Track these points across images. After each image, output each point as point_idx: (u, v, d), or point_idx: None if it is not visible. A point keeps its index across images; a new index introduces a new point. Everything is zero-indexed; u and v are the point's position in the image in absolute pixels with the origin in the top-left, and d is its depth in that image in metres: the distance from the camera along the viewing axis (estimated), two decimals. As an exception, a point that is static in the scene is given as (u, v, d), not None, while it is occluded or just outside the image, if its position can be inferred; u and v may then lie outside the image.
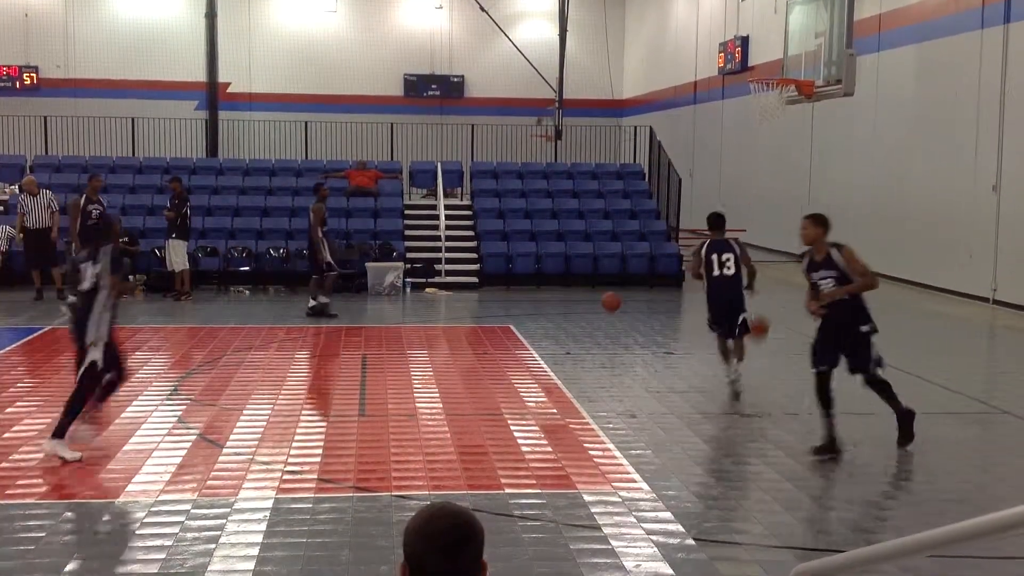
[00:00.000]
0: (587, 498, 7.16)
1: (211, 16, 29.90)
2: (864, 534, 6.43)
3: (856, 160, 21.13)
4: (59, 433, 7.86)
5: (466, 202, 22.63)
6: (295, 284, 18.63)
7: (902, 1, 19.32)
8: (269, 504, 6.96)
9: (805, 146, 23.26)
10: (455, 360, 12.49)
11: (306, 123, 26.57)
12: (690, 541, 6.38)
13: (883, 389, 8.33)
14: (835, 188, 22.14)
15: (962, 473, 8.11)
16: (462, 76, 34.72)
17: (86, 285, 8.26)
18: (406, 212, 21.65)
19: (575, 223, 20.93)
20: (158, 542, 6.23)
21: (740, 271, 10.70)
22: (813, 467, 8.05)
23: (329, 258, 15.75)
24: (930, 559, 5.73)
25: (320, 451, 8.30)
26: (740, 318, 10.61)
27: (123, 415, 9.35)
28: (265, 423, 9.13)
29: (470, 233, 21.02)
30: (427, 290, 18.82)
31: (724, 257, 10.65)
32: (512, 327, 14.59)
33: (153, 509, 6.83)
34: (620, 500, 7.13)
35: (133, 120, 25.38)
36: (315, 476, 7.67)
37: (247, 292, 18.41)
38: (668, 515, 6.84)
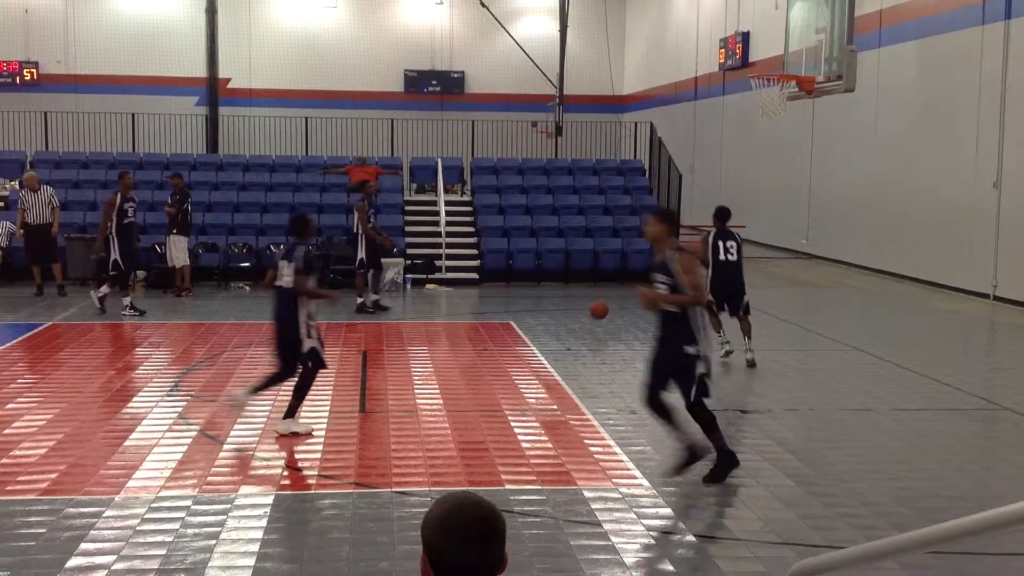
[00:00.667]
0: (587, 494, 7.17)
1: (211, 12, 29.91)
2: (864, 530, 6.43)
3: (857, 156, 21.12)
4: (290, 413, 8.66)
5: (466, 198, 22.63)
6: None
7: (903, -3, 19.32)
8: (269, 500, 6.97)
9: (806, 142, 23.25)
10: (455, 356, 12.49)
11: (306, 119, 26.56)
12: (690, 537, 6.39)
13: (705, 423, 7.33)
14: (836, 184, 22.15)
15: (962, 469, 8.12)
16: (462, 72, 34.71)
17: (285, 282, 8.88)
18: (406, 208, 21.64)
19: (575, 219, 20.93)
20: (159, 538, 6.23)
21: (742, 258, 11.96)
22: (813, 463, 8.06)
23: (363, 255, 15.97)
24: (930, 555, 5.73)
25: (320, 447, 8.30)
26: (744, 299, 11.94)
27: (124, 411, 9.35)
28: (265, 419, 9.13)
29: (470, 229, 21.02)
30: (427, 286, 18.82)
31: (728, 244, 11.93)
32: (512, 323, 14.59)
33: (154, 505, 6.84)
34: (620, 496, 7.14)
35: (133, 116, 25.38)
36: (316, 472, 7.67)
37: (248, 288, 18.39)
38: (668, 511, 6.85)
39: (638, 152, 25.37)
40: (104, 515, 6.64)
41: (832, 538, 6.28)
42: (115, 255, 14.94)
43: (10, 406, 9.51)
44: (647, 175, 23.51)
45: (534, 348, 12.72)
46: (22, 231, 17.13)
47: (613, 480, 7.51)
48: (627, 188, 22.42)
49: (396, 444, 8.39)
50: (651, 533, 6.42)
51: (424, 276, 19.14)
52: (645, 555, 6.08)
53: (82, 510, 6.73)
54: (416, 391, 10.38)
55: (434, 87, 34.50)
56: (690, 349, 7.17)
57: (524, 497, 7.09)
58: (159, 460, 7.85)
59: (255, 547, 6.12)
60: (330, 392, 10.27)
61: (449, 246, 20.01)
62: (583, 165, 23.76)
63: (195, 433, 8.66)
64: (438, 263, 19.55)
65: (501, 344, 13.20)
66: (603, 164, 23.97)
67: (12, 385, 10.48)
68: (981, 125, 16.85)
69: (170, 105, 29.86)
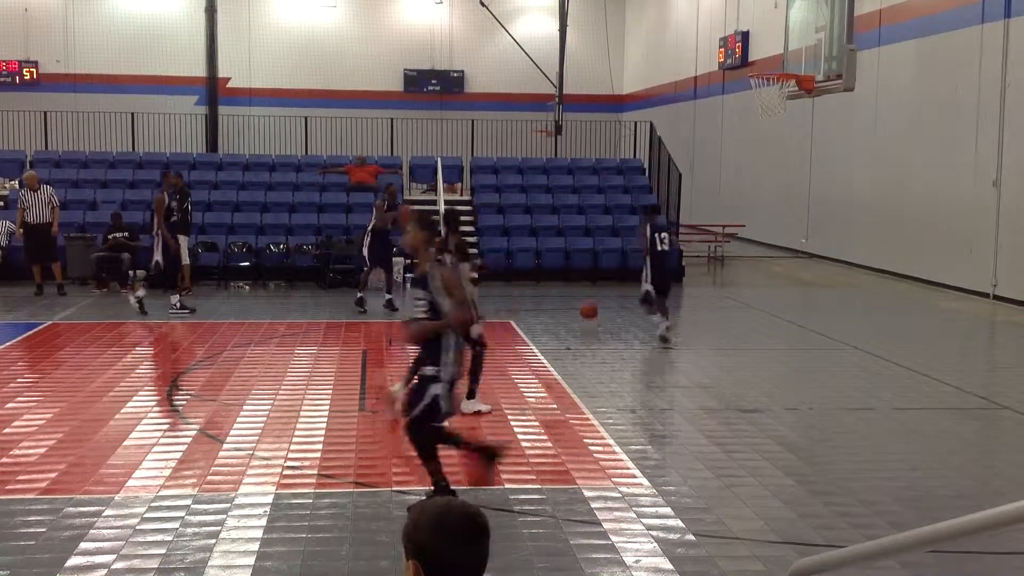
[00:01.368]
0: (587, 493, 7.16)
1: (211, 11, 29.92)
2: (864, 529, 6.43)
3: (856, 155, 21.12)
4: (471, 395, 9.35)
5: (466, 197, 22.62)
6: (295, 279, 18.65)
7: (903, -4, 19.32)
8: (269, 499, 6.96)
9: (805, 141, 23.25)
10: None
11: (306, 118, 26.56)
12: (690, 536, 6.39)
13: (419, 447, 6.70)
14: (835, 183, 22.15)
15: (962, 468, 8.12)
16: (462, 71, 34.71)
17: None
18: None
19: (575, 218, 20.92)
20: (158, 537, 6.23)
21: (673, 247, 13.44)
22: (813, 462, 8.06)
23: (364, 252, 16.01)
24: (930, 554, 5.73)
25: (320, 446, 8.30)
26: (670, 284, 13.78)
27: (123, 410, 9.35)
28: (265, 418, 9.13)
29: (470, 228, 21.00)
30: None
31: (663, 236, 13.34)
32: (512, 322, 14.58)
33: (153, 504, 6.83)
34: (620, 495, 7.14)
35: (133, 115, 25.37)
36: (315, 471, 7.67)
37: (247, 287, 18.40)
38: (668, 510, 6.85)
39: (638, 151, 25.37)
40: (104, 514, 6.64)
41: (832, 537, 6.28)
42: (157, 256, 15.01)
43: (10, 405, 9.50)
44: (647, 174, 23.50)
45: (534, 347, 12.72)
46: (22, 230, 17.13)
47: (613, 479, 7.51)
48: (627, 187, 22.42)
49: (396, 443, 8.38)
50: (651, 532, 6.42)
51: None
52: (645, 554, 6.08)
53: (82, 509, 6.73)
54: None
55: (434, 86, 34.51)
56: (428, 370, 6.63)
57: (524, 496, 7.09)
58: (159, 459, 7.85)
59: (255, 546, 6.12)
60: (330, 391, 10.27)
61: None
62: (583, 164, 23.76)
63: (195, 432, 8.66)
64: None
65: (501, 343, 13.19)
66: (603, 163, 23.97)
67: (12, 384, 10.47)
68: (981, 124, 16.85)
69: (170, 104, 29.86)
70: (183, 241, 17.45)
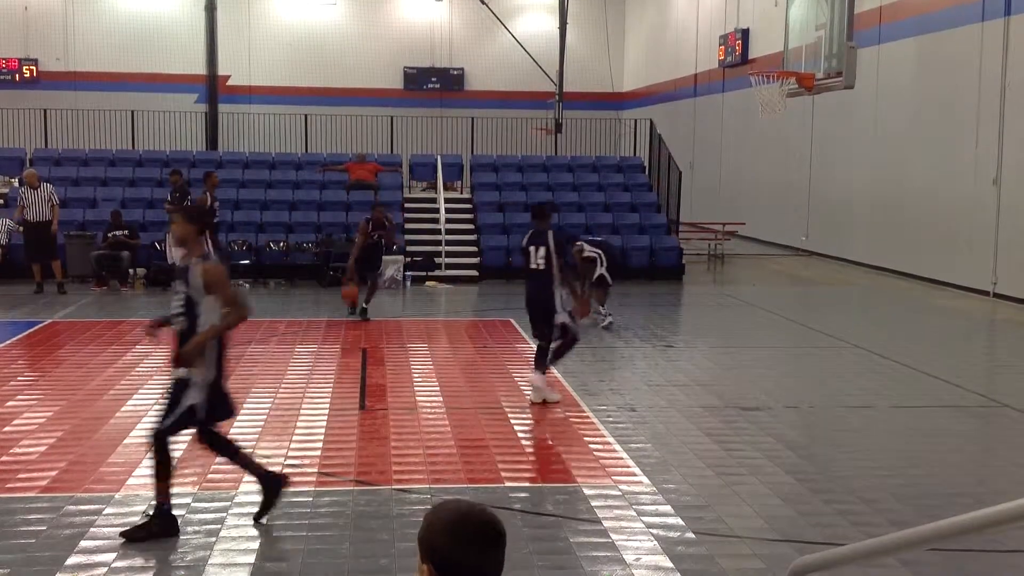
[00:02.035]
0: (587, 492, 7.17)
1: (211, 9, 29.86)
2: (864, 527, 6.43)
3: (856, 153, 21.12)
4: (542, 369, 9.65)
5: (466, 195, 22.62)
6: (295, 277, 18.66)
7: (903, -6, 19.31)
8: (269, 497, 6.95)
9: (805, 139, 23.25)
10: (455, 353, 12.49)
11: (306, 116, 26.56)
12: (690, 534, 6.39)
13: (158, 459, 6.27)
14: (835, 181, 22.15)
15: (962, 466, 8.12)
16: (462, 69, 34.70)
17: (539, 264, 9.55)
18: (406, 205, 21.64)
19: (575, 216, 20.91)
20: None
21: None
22: (813, 460, 8.06)
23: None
24: (930, 552, 5.74)
25: (320, 444, 8.31)
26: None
27: (123, 409, 9.35)
28: (265, 417, 9.14)
29: (470, 226, 21.02)
30: (427, 283, 18.83)
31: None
32: (512, 320, 14.58)
33: (154, 503, 6.83)
34: (620, 494, 7.14)
35: (133, 113, 25.37)
36: (315, 469, 7.67)
37: (247, 285, 18.40)
38: (668, 508, 6.85)
39: (638, 149, 25.37)
40: (104, 512, 6.64)
41: (832, 535, 6.28)
42: None
43: (10, 403, 9.51)
44: (647, 172, 23.51)
45: (534, 345, 12.69)
46: (22, 228, 17.13)
47: (613, 477, 7.51)
48: (627, 185, 22.42)
49: (396, 441, 8.39)
50: (651, 530, 6.42)
51: (424, 273, 19.14)
52: (645, 552, 6.08)
53: (82, 507, 6.73)
54: (416, 388, 10.38)
55: (434, 84, 34.50)
56: (181, 371, 6.26)
57: (524, 494, 7.09)
58: (159, 457, 7.84)
59: (255, 544, 6.12)
60: (330, 389, 10.27)
61: (449, 243, 20.01)
62: (583, 162, 23.75)
63: (195, 430, 8.64)
64: (438, 260, 19.55)
65: (501, 341, 13.20)
66: (603, 161, 23.96)
67: (12, 383, 10.48)
68: (981, 122, 16.85)
69: (169, 102, 29.85)
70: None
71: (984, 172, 16.79)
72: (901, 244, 19.49)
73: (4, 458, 7.85)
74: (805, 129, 22.95)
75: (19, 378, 10.79)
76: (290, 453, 8.07)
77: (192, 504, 6.81)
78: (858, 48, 14.38)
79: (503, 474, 7.53)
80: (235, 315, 6.32)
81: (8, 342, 12.72)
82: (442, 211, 20.60)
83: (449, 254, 19.81)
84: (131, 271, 18.11)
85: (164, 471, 6.24)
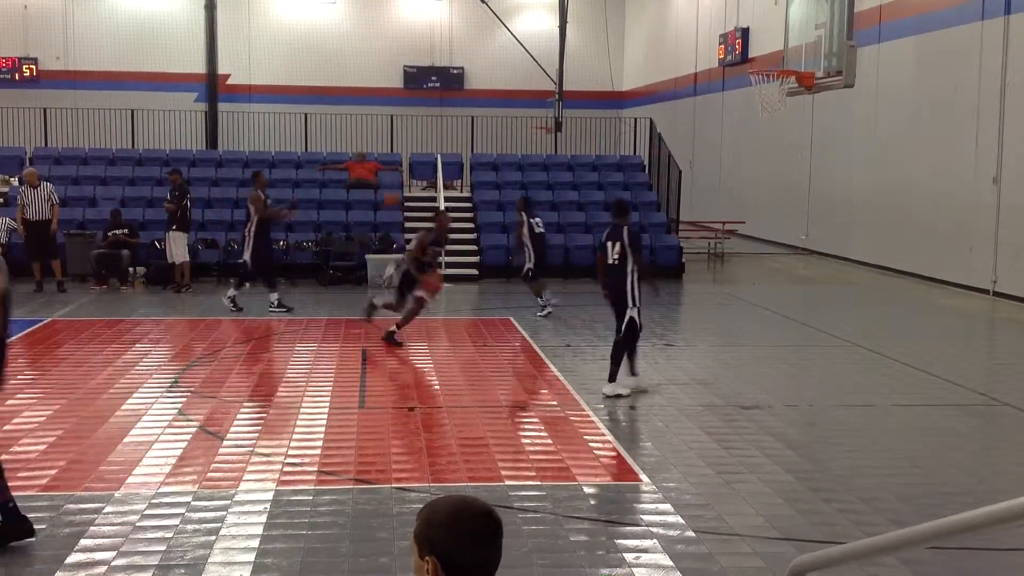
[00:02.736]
0: (587, 490, 7.17)
1: (210, 8, 29.89)
2: (864, 526, 6.43)
3: (856, 151, 21.12)
4: (612, 378, 9.93)
5: (466, 194, 22.61)
6: (295, 276, 18.65)
7: (903, -8, 19.31)
8: (269, 496, 6.97)
9: (805, 138, 23.24)
10: (455, 352, 12.49)
11: (306, 115, 26.55)
12: (690, 533, 6.39)
13: None
14: (835, 180, 22.15)
15: (962, 465, 8.12)
16: (462, 68, 34.68)
17: (615, 259, 9.91)
18: (406, 204, 21.63)
19: (575, 215, 20.92)
20: (159, 534, 6.24)
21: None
22: (813, 459, 8.06)
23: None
24: (930, 551, 5.74)
25: (320, 443, 8.31)
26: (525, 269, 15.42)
27: (123, 407, 9.35)
28: (265, 415, 9.14)
29: (470, 225, 21.00)
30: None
31: (537, 220, 15.61)
32: (512, 319, 14.59)
33: (154, 501, 6.84)
34: (620, 492, 7.14)
35: (133, 112, 25.37)
36: (315, 468, 7.67)
37: (247, 284, 18.37)
38: (668, 507, 6.85)
39: (638, 148, 25.36)
40: (104, 511, 6.64)
41: (831, 534, 6.28)
42: (246, 255, 15.02)
43: (10, 402, 9.50)
44: (647, 171, 23.50)
45: (533, 344, 12.72)
46: (22, 227, 17.13)
47: (612, 476, 7.51)
48: (627, 184, 22.41)
49: (396, 440, 8.40)
50: (651, 529, 6.42)
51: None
52: (645, 550, 6.08)
53: (82, 506, 6.73)
54: (416, 387, 10.38)
55: (433, 83, 34.48)
56: None
57: (524, 493, 7.09)
58: (159, 456, 7.85)
59: (255, 543, 6.12)
60: (330, 388, 10.27)
61: (448, 242, 19.95)
62: (583, 161, 23.74)
63: (195, 429, 8.66)
64: (437, 259, 19.50)
65: (501, 340, 13.20)
66: (603, 160, 23.95)
67: (12, 381, 10.45)
68: (981, 120, 16.85)
69: (169, 101, 29.83)
70: (182, 238, 17.48)
71: (984, 170, 16.78)
72: (901, 242, 19.49)
73: (4, 457, 7.82)
74: (805, 128, 22.95)
75: (19, 377, 10.78)
76: (290, 452, 8.07)
77: (192, 503, 6.81)
78: (858, 47, 14.38)
79: (503, 473, 7.53)
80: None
81: (8, 341, 12.69)
82: (442, 210, 20.55)
83: (449, 253, 19.77)
84: (131, 270, 18.10)
85: None
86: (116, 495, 6.97)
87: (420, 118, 28.96)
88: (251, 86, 33.10)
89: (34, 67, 32.31)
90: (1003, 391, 10.52)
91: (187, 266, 17.56)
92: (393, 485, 7.24)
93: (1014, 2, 16.08)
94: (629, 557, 5.97)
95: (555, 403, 9.74)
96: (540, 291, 15.20)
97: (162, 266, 17.92)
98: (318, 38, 33.79)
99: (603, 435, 8.60)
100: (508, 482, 7.31)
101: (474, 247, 20.20)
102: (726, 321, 15.26)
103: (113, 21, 32.84)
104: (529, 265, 15.36)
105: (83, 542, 6.11)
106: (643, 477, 7.46)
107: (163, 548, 6.01)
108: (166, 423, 8.87)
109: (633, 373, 10.27)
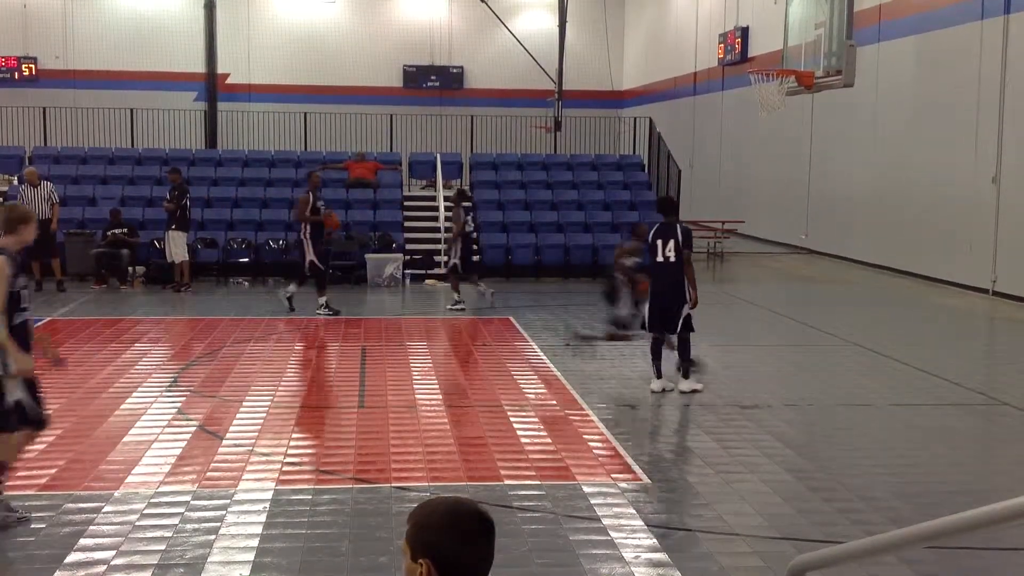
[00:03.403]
0: (586, 489, 7.17)
1: (210, 7, 29.88)
2: (863, 525, 6.43)
3: (856, 151, 21.12)
4: (686, 375, 10.01)
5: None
6: (294, 275, 18.61)
7: (902, -8, 19.31)
8: (269, 495, 6.97)
9: (805, 137, 23.24)
10: (454, 351, 12.49)
11: (305, 114, 26.54)
12: (690, 533, 6.39)
13: None
14: (835, 179, 22.15)
15: (961, 464, 8.12)
16: (461, 67, 34.67)
17: (669, 256, 10.01)
18: (405, 203, 21.63)
19: (574, 214, 20.92)
20: (158, 533, 6.24)
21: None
22: (813, 459, 8.06)
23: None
24: (929, 550, 5.74)
25: (320, 442, 8.30)
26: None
27: (123, 406, 9.35)
28: (265, 415, 9.14)
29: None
30: (426, 282, 18.82)
31: (469, 217, 16.15)
32: (511, 318, 14.59)
33: (153, 500, 6.84)
34: (619, 491, 7.14)
35: (132, 111, 25.36)
36: (315, 468, 7.67)
37: (246, 283, 18.40)
38: (667, 506, 6.85)
39: (637, 147, 25.35)
40: (103, 510, 6.64)
41: (831, 533, 6.28)
42: (310, 256, 14.94)
43: (9, 402, 9.49)
44: (646, 170, 23.49)
45: (533, 343, 12.72)
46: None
47: (612, 475, 7.52)
48: (626, 183, 22.40)
49: (395, 439, 8.40)
50: (650, 528, 6.42)
51: (423, 271, 19.13)
52: (644, 550, 6.08)
53: (81, 505, 6.73)
54: (415, 386, 10.38)
55: (433, 82, 34.47)
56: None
57: (523, 492, 7.09)
58: (158, 455, 7.85)
59: (254, 542, 6.12)
60: (329, 387, 10.27)
61: (448, 241, 19.96)
62: (582, 160, 23.73)
63: (194, 428, 8.66)
64: (437, 258, 19.53)
65: (500, 339, 13.20)
66: (602, 159, 23.94)
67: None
68: (980, 120, 16.84)
69: (169, 100, 29.81)
70: (181, 237, 17.48)
71: (984, 170, 16.78)
72: (900, 242, 19.49)
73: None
74: (804, 127, 22.95)
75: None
76: (289, 451, 8.07)
77: (192, 502, 6.81)
78: (857, 46, 14.38)
79: (502, 472, 7.53)
80: None
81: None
82: (441, 209, 20.56)
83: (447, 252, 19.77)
84: (130, 269, 18.09)
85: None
86: (115, 494, 6.97)
87: (419, 117, 28.94)
88: (250, 85, 33.09)
89: (33, 66, 32.29)
90: (1002, 390, 10.52)
91: (187, 265, 17.56)
92: (392, 484, 7.24)
93: (1014, 2, 16.08)
94: (628, 556, 5.97)
95: (554, 402, 9.74)
96: (458, 288, 15.77)
97: (162, 265, 17.92)
98: (317, 38, 33.77)
99: (602, 434, 8.60)
100: (507, 481, 7.31)
101: (474, 246, 20.16)
102: (725, 320, 15.26)
103: (112, 20, 32.82)
104: (455, 260, 15.92)
105: (82, 541, 6.11)
106: (642, 476, 7.46)
107: (162, 547, 6.01)
108: (165, 422, 8.87)
109: (660, 375, 10.17)
